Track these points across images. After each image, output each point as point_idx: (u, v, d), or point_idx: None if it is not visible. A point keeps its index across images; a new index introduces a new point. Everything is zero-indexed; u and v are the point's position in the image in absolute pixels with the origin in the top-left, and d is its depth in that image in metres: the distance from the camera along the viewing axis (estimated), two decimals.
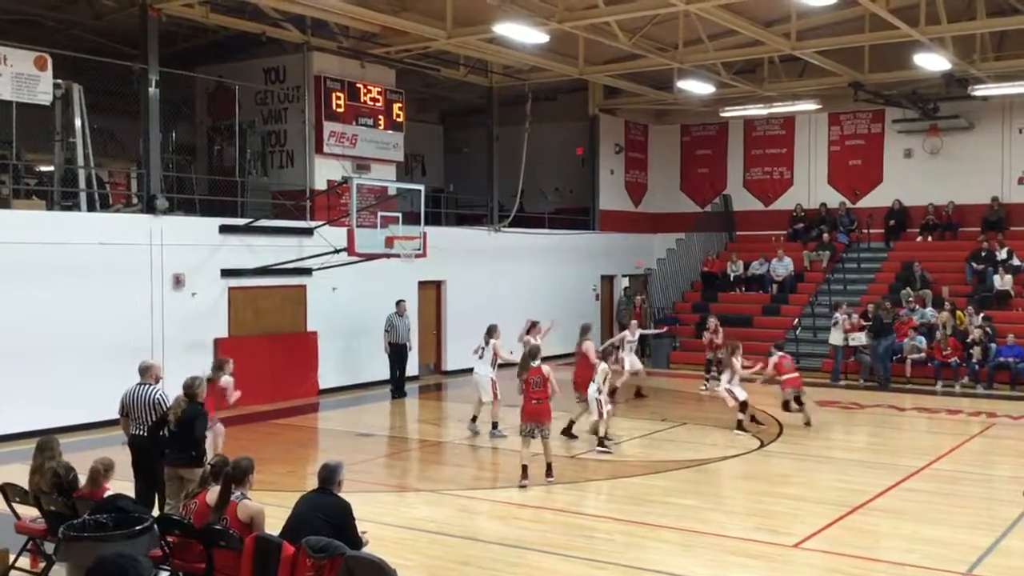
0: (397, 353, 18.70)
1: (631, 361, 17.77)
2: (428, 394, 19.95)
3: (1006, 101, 23.45)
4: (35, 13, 17.99)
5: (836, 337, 20.58)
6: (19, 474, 8.77)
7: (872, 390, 19.63)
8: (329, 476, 7.11)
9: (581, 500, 11.34)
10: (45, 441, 8.24)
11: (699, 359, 22.51)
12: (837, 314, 20.71)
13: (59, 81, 15.47)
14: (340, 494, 7.11)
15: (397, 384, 18.84)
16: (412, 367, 20.09)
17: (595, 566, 8.62)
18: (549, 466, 11.75)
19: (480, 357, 14.92)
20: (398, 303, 18.71)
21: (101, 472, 7.74)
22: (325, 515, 6.83)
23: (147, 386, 9.48)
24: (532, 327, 15.24)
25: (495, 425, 14.68)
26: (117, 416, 9.76)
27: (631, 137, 28.25)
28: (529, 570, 8.52)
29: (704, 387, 19.53)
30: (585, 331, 15.17)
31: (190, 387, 9.13)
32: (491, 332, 15.01)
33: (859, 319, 20.78)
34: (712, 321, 20.17)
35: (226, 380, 11.87)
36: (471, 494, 11.40)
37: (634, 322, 18.96)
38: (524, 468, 11.55)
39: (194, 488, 7.53)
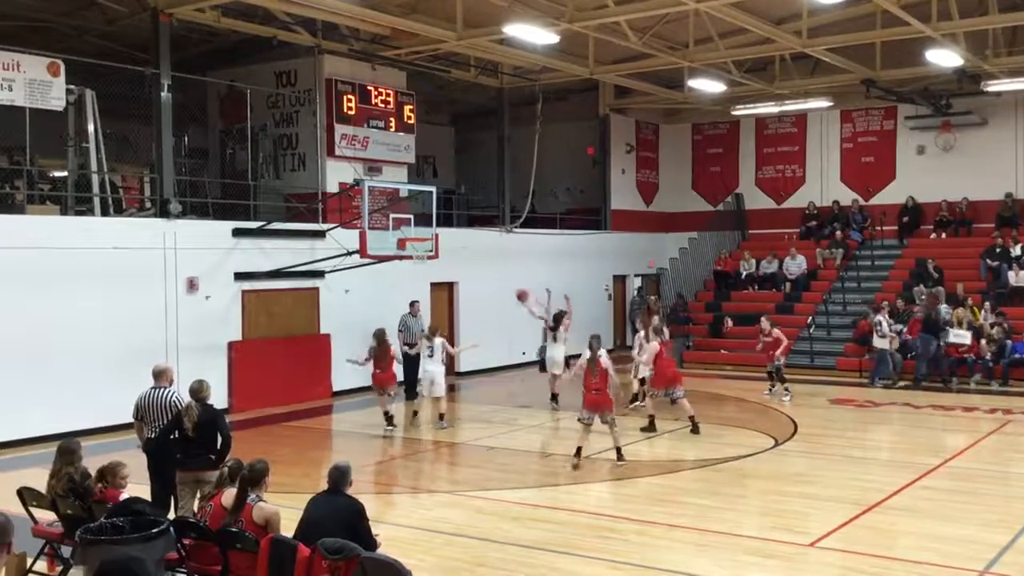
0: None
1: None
2: None
3: (1019, 96, 23.32)
4: (48, 19, 18.09)
5: (881, 341, 19.58)
6: (36, 478, 8.82)
7: (920, 389, 19.15)
8: (341, 478, 7.14)
9: (596, 500, 11.34)
10: (67, 445, 8.23)
11: (712, 358, 22.51)
12: (879, 316, 19.81)
13: (72, 87, 15.53)
14: (350, 494, 7.13)
15: (410, 384, 18.84)
16: None
17: (611, 566, 8.61)
18: (619, 450, 12.72)
19: (430, 356, 15.81)
20: (412, 304, 18.75)
21: (108, 476, 7.74)
22: (338, 517, 6.84)
23: (162, 389, 9.51)
24: (560, 319, 16.56)
25: (441, 416, 15.81)
26: (132, 420, 9.78)
27: (642, 136, 28.22)
28: (544, 571, 8.51)
29: (785, 394, 17.96)
30: (659, 331, 15.67)
31: (198, 391, 9.14)
32: (434, 332, 16.28)
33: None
34: (765, 323, 18.10)
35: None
36: (486, 495, 11.39)
37: (666, 329, 17.97)
38: (579, 449, 12.60)
39: (211, 490, 7.55)
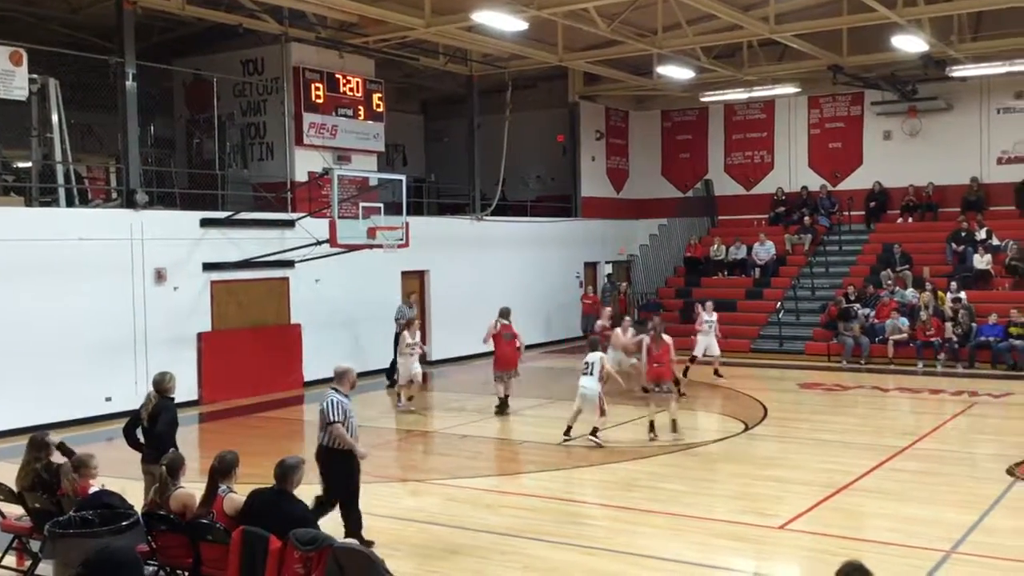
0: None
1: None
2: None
3: (984, 81, 23.54)
4: (9, 8, 17.79)
5: None
6: (3, 472, 8.72)
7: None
8: (284, 474, 6.94)
9: (569, 487, 11.38)
10: (38, 438, 8.12)
11: (683, 344, 22.46)
12: None
13: (35, 76, 15.31)
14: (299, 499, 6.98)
15: (392, 372, 18.89)
16: None
17: (584, 552, 8.66)
18: (505, 399, 15.49)
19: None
20: (409, 295, 19.53)
21: (81, 468, 7.63)
22: (285, 523, 6.56)
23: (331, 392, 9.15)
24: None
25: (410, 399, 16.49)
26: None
27: (612, 124, 28.24)
28: (518, 557, 8.54)
29: None
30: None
31: (160, 383, 9.05)
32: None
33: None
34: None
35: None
36: (458, 483, 11.41)
37: (627, 318, 17.94)
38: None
39: (155, 495, 7.33)
